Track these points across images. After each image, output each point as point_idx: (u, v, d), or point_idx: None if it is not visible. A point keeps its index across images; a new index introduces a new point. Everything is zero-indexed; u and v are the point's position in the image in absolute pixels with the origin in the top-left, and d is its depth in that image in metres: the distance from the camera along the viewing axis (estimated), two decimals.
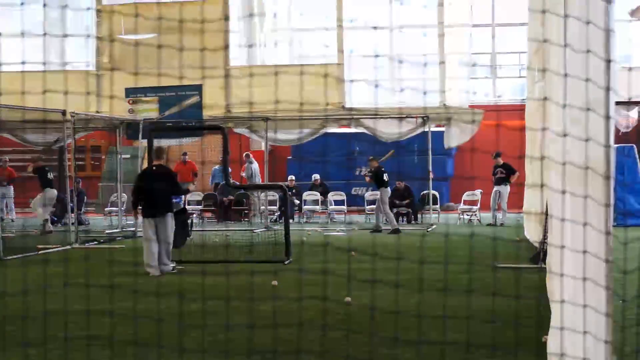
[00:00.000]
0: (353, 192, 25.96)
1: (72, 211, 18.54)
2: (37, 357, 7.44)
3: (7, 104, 19.49)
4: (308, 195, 24.30)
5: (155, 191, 12.75)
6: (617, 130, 21.78)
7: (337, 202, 24.22)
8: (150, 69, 20.90)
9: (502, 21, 28.11)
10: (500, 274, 11.34)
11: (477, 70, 28.32)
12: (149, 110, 21.57)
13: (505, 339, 7.69)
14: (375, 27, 27.64)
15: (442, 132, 23.67)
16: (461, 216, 22.78)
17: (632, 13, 21.33)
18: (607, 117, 5.19)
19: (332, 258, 13.98)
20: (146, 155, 15.58)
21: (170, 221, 12.84)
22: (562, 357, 5.44)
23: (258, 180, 24.29)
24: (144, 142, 19.87)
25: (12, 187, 24.13)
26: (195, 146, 26.65)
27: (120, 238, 18.84)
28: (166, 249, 12.85)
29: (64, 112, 17.75)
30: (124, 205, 21.90)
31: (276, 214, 23.63)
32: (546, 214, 8.86)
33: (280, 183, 20.91)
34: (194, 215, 22.43)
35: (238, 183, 24.08)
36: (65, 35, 26.18)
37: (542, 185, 6.49)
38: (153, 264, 12.69)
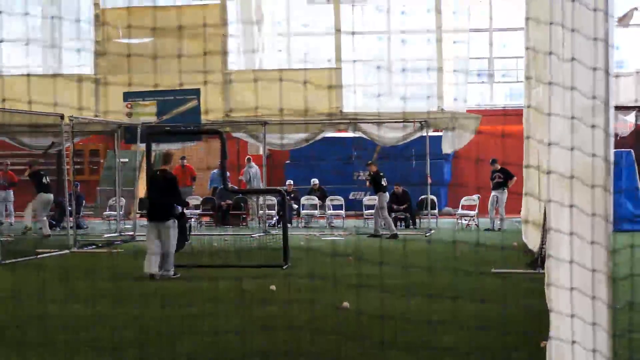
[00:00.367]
0: (351, 197, 25.96)
1: (71, 215, 18.54)
2: None
3: (5, 108, 19.56)
4: (306, 200, 24.30)
5: (158, 196, 12.82)
6: (615, 135, 21.79)
7: (335, 207, 24.22)
8: (148, 73, 20.95)
9: (500, 26, 28.16)
10: (498, 280, 11.38)
11: (474, 75, 28.34)
12: (147, 114, 21.57)
13: (500, 344, 7.72)
14: (373, 33, 27.76)
15: (440, 137, 23.70)
16: (459, 221, 22.80)
17: (620, 20, 21.37)
18: (607, 126, 5.21)
19: (330, 263, 13.99)
20: (144, 159, 15.59)
21: (172, 227, 12.84)
22: None
23: (259, 184, 24.31)
24: (142, 146, 19.89)
25: (12, 191, 24.14)
26: (193, 150, 26.69)
27: (118, 242, 18.85)
28: (167, 254, 12.81)
29: (62, 116, 17.77)
30: (122, 209, 21.87)
31: (274, 218, 23.63)
32: (544, 219, 8.90)
33: (278, 187, 20.94)
34: (192, 220, 22.42)
35: (236, 187, 24.12)
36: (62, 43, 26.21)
37: (539, 193, 6.52)
38: (154, 267, 12.68)
